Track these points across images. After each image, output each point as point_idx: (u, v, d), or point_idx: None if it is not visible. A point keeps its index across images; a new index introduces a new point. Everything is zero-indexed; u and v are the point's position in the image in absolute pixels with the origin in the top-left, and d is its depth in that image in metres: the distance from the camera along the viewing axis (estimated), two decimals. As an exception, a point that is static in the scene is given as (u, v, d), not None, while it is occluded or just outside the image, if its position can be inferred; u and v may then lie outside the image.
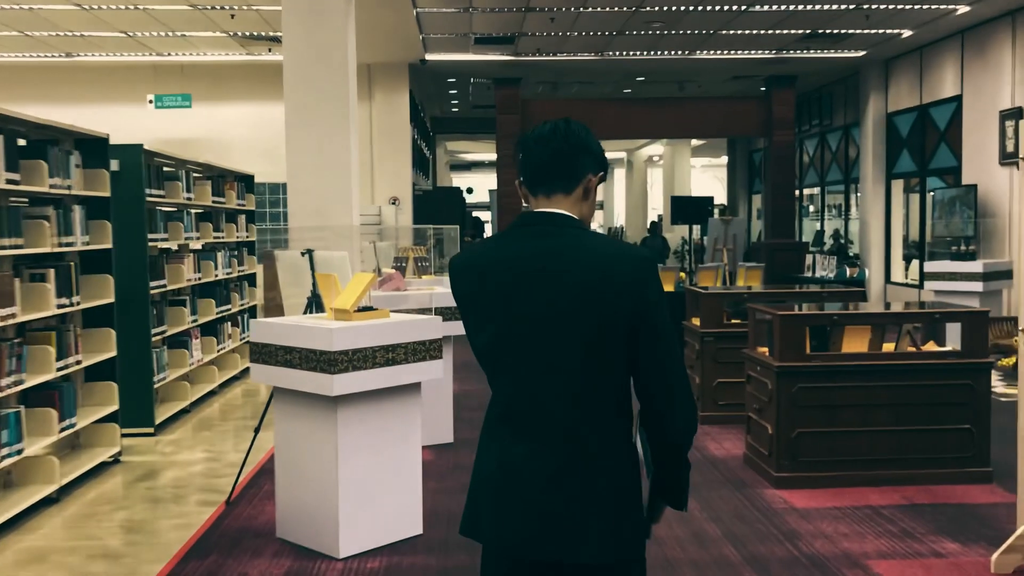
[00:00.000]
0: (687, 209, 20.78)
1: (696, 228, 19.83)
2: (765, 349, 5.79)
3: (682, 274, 11.30)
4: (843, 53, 13.32)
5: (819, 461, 5.41)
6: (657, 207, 35.69)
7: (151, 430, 6.93)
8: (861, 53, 13.27)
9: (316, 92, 6.81)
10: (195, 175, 8.64)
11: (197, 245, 8.80)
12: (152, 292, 7.01)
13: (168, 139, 13.30)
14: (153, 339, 7.05)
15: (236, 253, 9.49)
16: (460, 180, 36.32)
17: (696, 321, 7.43)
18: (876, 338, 5.61)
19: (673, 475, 2.05)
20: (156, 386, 7.10)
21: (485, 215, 28.25)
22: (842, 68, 14.70)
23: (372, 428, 4.38)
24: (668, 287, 10.31)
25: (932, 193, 12.33)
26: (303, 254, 5.43)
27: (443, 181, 26.43)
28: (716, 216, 15.35)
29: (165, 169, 7.71)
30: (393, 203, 13.63)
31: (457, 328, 6.64)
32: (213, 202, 8.70)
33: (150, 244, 7.07)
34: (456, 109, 19.53)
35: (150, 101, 13.21)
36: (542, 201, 2.03)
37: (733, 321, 7.29)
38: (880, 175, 14.08)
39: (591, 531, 1.91)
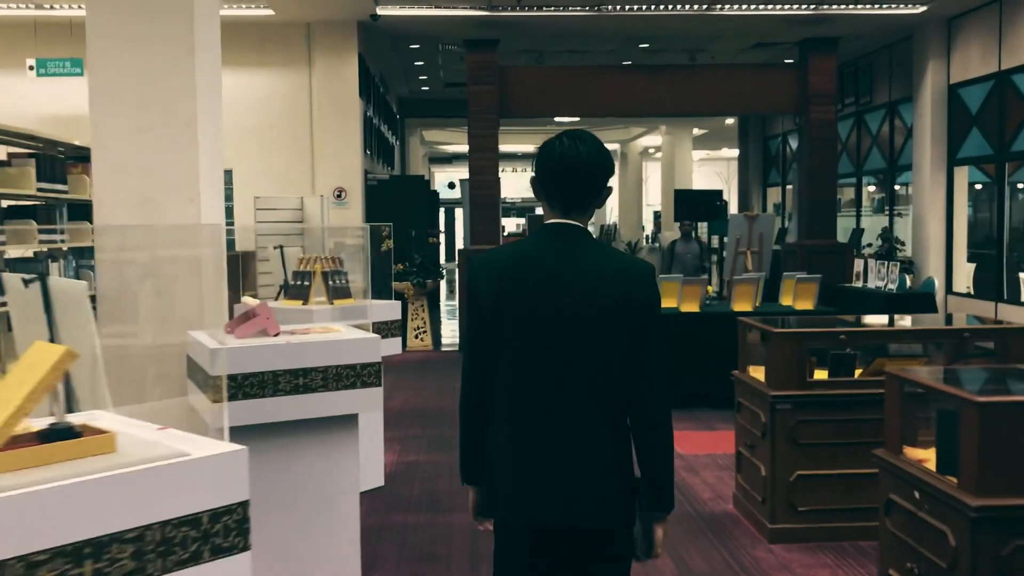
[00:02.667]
0: (693, 204, 18.09)
1: (702, 226, 17.26)
2: (926, 455, 3.11)
3: (709, 287, 8.60)
4: (899, 9, 10.65)
5: None
6: (653, 203, 33.04)
7: None
8: (921, 9, 10.61)
9: (137, 12, 4.09)
10: (11, 151, 5.93)
11: (22, 252, 6.11)
12: None
13: (54, 115, 10.59)
14: None
15: (93, 264, 6.75)
16: (442, 175, 33.62)
17: (757, 374, 4.74)
18: None
19: (662, 477, 2.22)
20: None
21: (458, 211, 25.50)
22: (889, 33, 12.05)
23: None
24: (692, 306, 7.62)
25: None
26: (27, 283, 2.72)
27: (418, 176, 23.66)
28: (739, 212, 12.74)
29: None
30: (337, 196, 10.90)
31: (370, 398, 3.94)
32: (40, 191, 5.98)
33: None
34: (426, 88, 16.76)
35: (31, 67, 10.45)
36: (558, 213, 2.27)
37: (817, 375, 4.62)
38: (940, 161, 11.42)
39: (604, 500, 2.18)
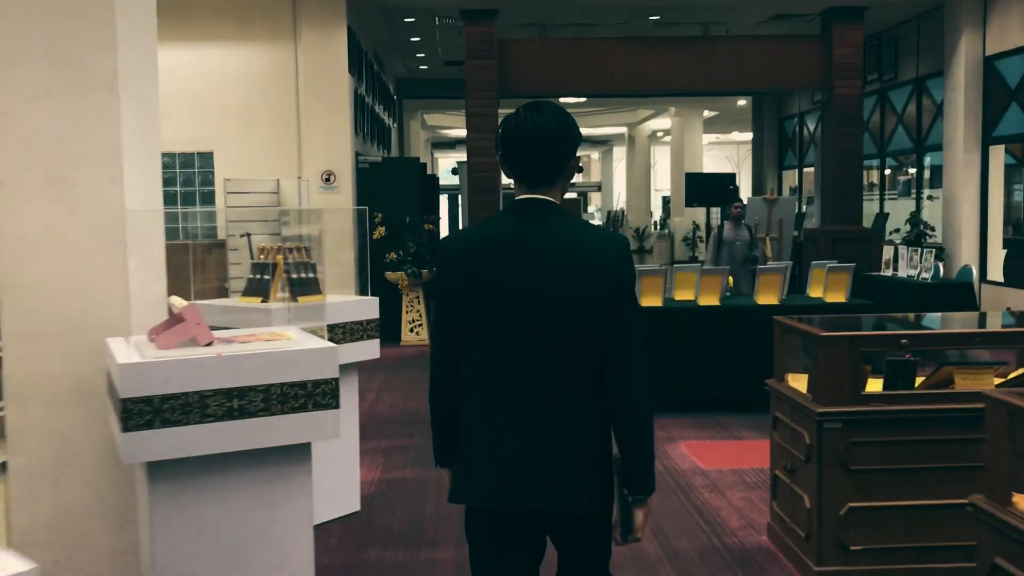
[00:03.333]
0: (705, 188, 17.36)
1: (715, 210, 16.48)
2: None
3: (730, 278, 7.82)
4: (931, -26, 9.85)
5: None
6: (662, 188, 32.19)
7: None
8: (955, -26, 9.80)
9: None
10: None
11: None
12: None
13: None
14: None
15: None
16: (446, 161, 32.89)
17: (798, 384, 3.99)
18: None
19: (636, 456, 2.15)
20: None
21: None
22: (918, 2, 11.22)
23: None
24: (712, 299, 6.84)
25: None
26: None
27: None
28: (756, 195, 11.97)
29: None
30: (326, 179, 10.14)
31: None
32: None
33: None
34: (424, 67, 15.96)
35: None
36: (524, 188, 2.20)
37: (870, 386, 3.86)
38: (974, 140, 10.62)
39: (583, 485, 2.12)
